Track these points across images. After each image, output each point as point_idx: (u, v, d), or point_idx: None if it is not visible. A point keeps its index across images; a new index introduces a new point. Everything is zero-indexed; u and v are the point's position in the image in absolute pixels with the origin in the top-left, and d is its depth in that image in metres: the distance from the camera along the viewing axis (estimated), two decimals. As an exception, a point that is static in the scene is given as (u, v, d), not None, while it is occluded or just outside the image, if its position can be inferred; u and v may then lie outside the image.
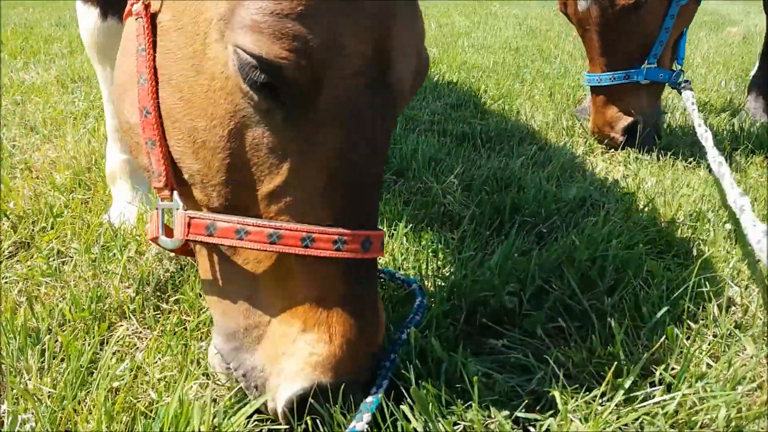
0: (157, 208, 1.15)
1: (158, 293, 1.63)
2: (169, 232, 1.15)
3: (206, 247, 1.14)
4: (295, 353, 1.06)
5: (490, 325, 1.49)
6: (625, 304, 1.53)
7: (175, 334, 1.46)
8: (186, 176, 1.09)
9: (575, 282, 1.58)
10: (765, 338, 1.43)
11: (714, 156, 1.77)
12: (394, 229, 1.90)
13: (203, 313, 1.53)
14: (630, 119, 2.75)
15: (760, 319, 1.48)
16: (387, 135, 1.11)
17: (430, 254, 1.79)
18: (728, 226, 2.00)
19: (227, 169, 1.04)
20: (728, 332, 1.43)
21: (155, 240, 1.17)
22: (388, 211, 2.08)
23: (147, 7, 1.09)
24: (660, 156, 2.71)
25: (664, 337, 1.38)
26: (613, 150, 2.82)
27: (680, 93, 2.70)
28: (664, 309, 1.45)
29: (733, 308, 1.57)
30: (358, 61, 1.00)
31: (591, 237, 1.77)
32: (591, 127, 2.91)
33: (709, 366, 1.34)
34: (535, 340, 1.45)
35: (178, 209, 1.10)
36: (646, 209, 2.07)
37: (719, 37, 7.03)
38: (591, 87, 2.82)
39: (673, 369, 1.32)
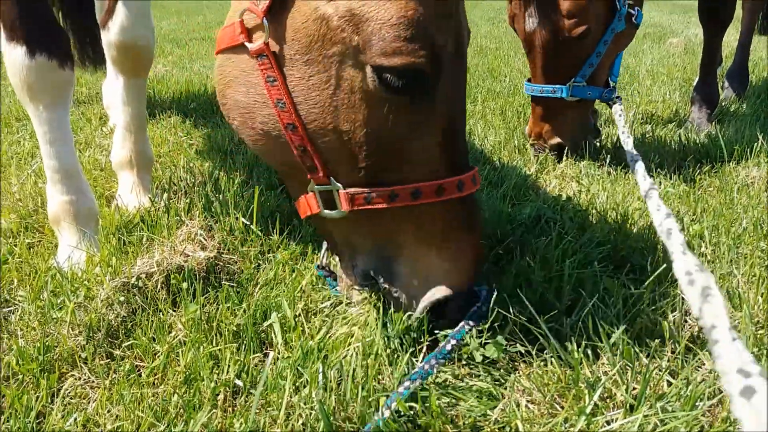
0: (313, 191, 1.44)
1: (110, 339, 1.58)
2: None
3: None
4: (435, 271, 1.44)
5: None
6: (582, 324, 1.54)
7: (128, 381, 1.41)
8: (334, 165, 1.39)
9: (533, 304, 1.58)
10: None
11: (643, 185, 1.71)
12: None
13: (158, 357, 1.49)
14: (558, 140, 2.90)
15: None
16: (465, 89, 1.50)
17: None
18: (681, 237, 2.04)
19: (371, 154, 1.36)
20: (685, 347, 1.45)
21: (316, 215, 1.48)
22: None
23: (268, 45, 1.33)
24: (611, 170, 2.76)
25: (623, 356, 1.39)
26: (564, 166, 2.86)
27: (610, 107, 2.83)
28: (622, 328, 1.46)
29: (690, 322, 1.59)
30: (452, 48, 1.36)
31: (545, 258, 1.78)
32: (527, 131, 3.04)
33: (669, 383, 1.36)
34: (498, 366, 1.45)
35: (338, 190, 1.40)
36: (599, 225, 2.09)
37: (662, 48, 7.26)
38: (531, 96, 2.95)
39: (634, 389, 1.33)
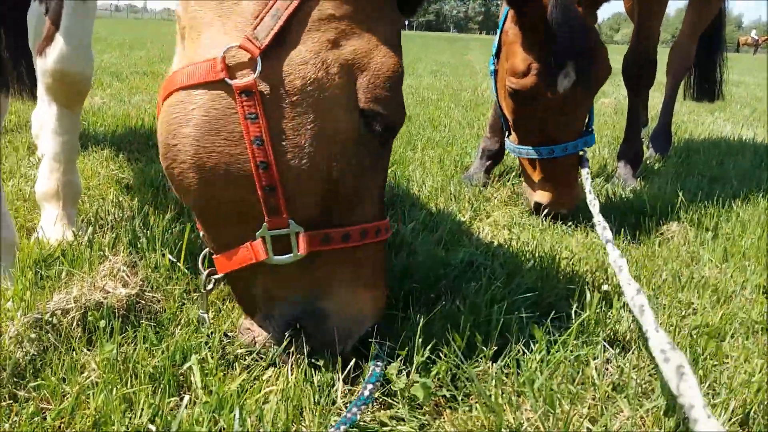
0: (261, 237, 1.42)
1: (15, 379, 1.48)
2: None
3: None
4: (365, 305, 1.54)
5: (377, 396, 1.46)
6: (508, 369, 1.55)
7: (30, 425, 1.31)
8: (298, 206, 1.41)
9: (461, 349, 1.58)
10: (639, 399, 1.49)
11: (599, 221, 2.08)
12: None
13: (66, 398, 1.40)
14: (580, 196, 2.81)
15: (634, 380, 1.54)
16: None
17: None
18: (605, 287, 2.10)
19: (339, 195, 1.44)
20: (606, 394, 1.48)
21: (252, 265, 1.45)
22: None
23: (256, 83, 1.36)
24: (542, 221, 2.84)
25: (545, 402, 1.40)
26: (496, 215, 2.92)
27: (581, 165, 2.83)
28: (545, 374, 1.48)
29: (610, 369, 1.63)
30: None
31: (475, 303, 1.79)
32: (543, 200, 2.87)
33: (589, 430, 1.37)
34: (424, 411, 1.43)
35: (297, 232, 1.41)
36: (528, 272, 2.13)
37: (595, 107, 7.61)
38: (541, 160, 2.82)
39: (555, 435, 1.34)
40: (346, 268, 1.49)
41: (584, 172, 2.68)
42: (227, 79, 1.36)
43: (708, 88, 5.20)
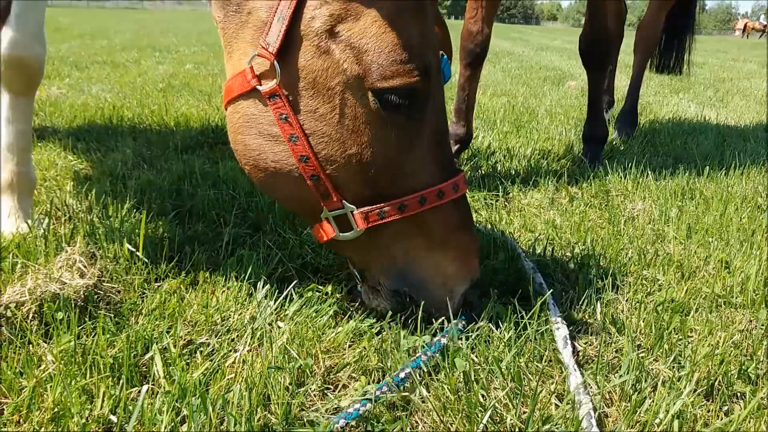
0: (326, 218, 1.56)
1: (-31, 376, 1.42)
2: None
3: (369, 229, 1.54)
4: (451, 268, 1.59)
5: (341, 384, 1.44)
6: (477, 348, 1.54)
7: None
8: (345, 188, 1.51)
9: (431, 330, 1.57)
10: (604, 374, 1.49)
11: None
12: (254, 287, 1.81)
13: (23, 392, 1.35)
14: None
15: (598, 356, 1.55)
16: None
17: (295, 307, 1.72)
18: (571, 265, 2.11)
19: (378, 171, 1.49)
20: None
21: (333, 239, 1.57)
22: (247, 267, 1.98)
23: (280, 85, 1.45)
24: (506, 203, 2.84)
25: (513, 380, 1.40)
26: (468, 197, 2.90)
27: None
28: (513, 352, 1.47)
29: (578, 346, 1.63)
30: (435, 66, 1.53)
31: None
32: None
33: (556, 406, 1.37)
34: (400, 387, 1.41)
35: (352, 211, 1.52)
36: (496, 253, 2.13)
37: (560, 90, 7.67)
38: None
39: (523, 412, 1.34)
40: (420, 237, 1.55)
41: None
42: (258, 87, 1.47)
43: (672, 63, 5.29)
